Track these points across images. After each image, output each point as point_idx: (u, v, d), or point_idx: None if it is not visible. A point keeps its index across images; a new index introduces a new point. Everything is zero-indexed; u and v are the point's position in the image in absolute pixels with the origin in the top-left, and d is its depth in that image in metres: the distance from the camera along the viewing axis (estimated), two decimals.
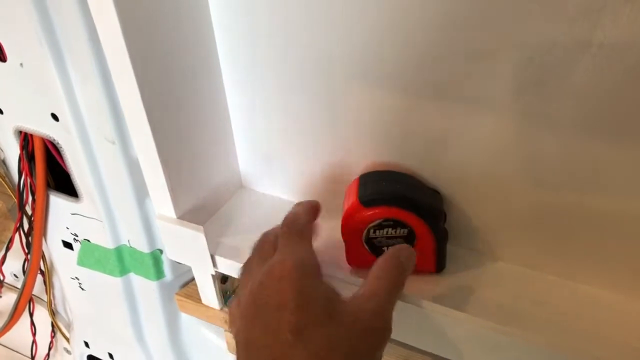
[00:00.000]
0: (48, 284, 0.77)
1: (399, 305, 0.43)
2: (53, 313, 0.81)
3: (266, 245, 0.45)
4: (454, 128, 0.45)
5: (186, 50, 0.48)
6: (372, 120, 0.48)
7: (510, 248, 0.50)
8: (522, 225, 0.48)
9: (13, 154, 0.61)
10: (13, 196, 0.81)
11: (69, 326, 0.84)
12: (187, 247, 0.53)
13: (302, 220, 0.46)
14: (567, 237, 0.46)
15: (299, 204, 0.49)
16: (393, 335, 0.40)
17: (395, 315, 0.40)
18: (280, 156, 0.56)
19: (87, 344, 0.80)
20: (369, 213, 0.47)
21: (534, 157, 0.43)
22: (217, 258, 0.53)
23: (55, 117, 0.54)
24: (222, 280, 0.61)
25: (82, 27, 0.46)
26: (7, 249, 0.71)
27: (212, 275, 0.57)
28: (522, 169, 0.44)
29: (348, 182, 0.51)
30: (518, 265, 0.50)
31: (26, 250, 0.70)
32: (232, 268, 0.53)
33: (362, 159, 0.51)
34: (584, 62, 0.37)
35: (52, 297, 0.79)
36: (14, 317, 0.78)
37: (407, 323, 0.46)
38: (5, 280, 0.84)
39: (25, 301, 0.75)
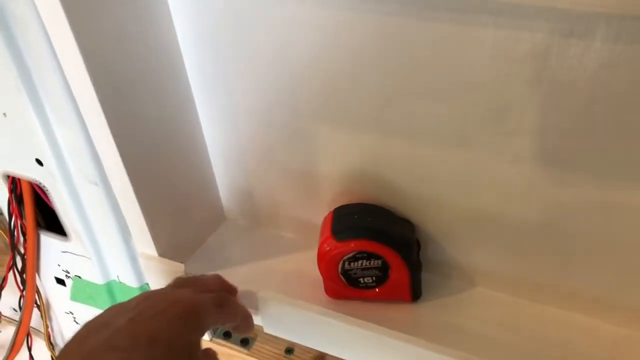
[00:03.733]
0: (44, 318, 0.78)
1: (374, 336, 0.45)
2: (51, 345, 0.83)
3: (198, 282, 0.46)
4: (421, 160, 0.46)
5: (160, 93, 0.49)
6: (342, 155, 0.50)
7: (485, 274, 0.51)
8: (495, 252, 0.49)
9: (2, 197, 0.62)
10: (4, 233, 0.83)
11: None
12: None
13: (231, 303, 0.46)
14: (538, 262, 0.47)
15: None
16: None
17: (370, 345, 0.41)
18: (258, 190, 0.57)
19: None
20: (342, 246, 0.48)
21: (501, 189, 0.44)
22: None
23: (39, 162, 0.55)
24: None
25: (57, 75, 0.48)
26: (1, 288, 0.73)
27: None
28: (492, 199, 0.46)
29: (324, 213, 0.52)
30: (493, 291, 0.51)
31: (21, 287, 0.71)
32: None
33: (336, 191, 0.52)
34: (536, 100, 0.39)
35: (49, 330, 0.81)
36: (12, 350, 0.80)
37: (381, 354, 0.47)
38: (5, 314, 0.86)
39: (23, 335, 0.77)
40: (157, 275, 0.54)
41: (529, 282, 0.49)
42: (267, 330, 0.52)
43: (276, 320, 0.51)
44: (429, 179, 0.47)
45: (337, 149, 0.49)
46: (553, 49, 0.36)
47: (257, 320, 0.53)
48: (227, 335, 0.64)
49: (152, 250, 0.53)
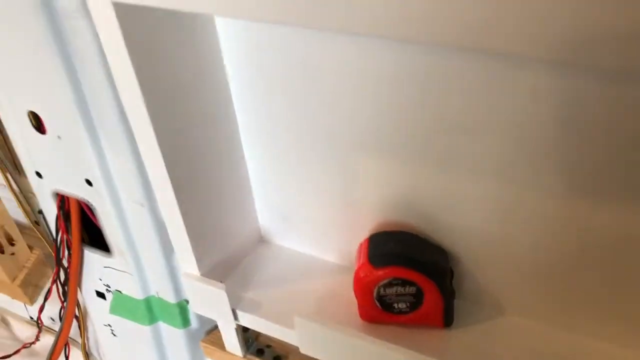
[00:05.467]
0: (82, 329, 0.81)
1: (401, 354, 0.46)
2: (87, 355, 0.86)
3: None
4: (457, 192, 0.48)
5: (209, 127, 0.52)
6: (379, 184, 0.51)
7: (517, 302, 0.52)
8: (526, 280, 0.50)
9: (51, 213, 0.65)
10: (48, 246, 0.86)
11: None
12: (210, 302, 0.57)
13: None
14: (570, 290, 0.48)
15: None
16: None
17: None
18: (297, 214, 0.59)
19: None
20: (378, 273, 0.50)
21: (531, 219, 0.46)
22: (239, 312, 0.57)
23: (89, 182, 0.58)
24: (244, 329, 0.65)
25: (113, 105, 0.51)
26: (45, 299, 0.76)
27: (234, 328, 0.60)
28: (524, 230, 0.47)
29: (360, 238, 0.54)
30: (525, 319, 0.52)
31: (62, 299, 0.74)
32: (253, 322, 0.57)
33: (372, 218, 0.54)
34: (567, 139, 0.40)
35: (86, 341, 0.84)
36: (51, 358, 0.83)
37: None
38: (44, 324, 0.89)
39: (61, 345, 0.79)
40: (199, 294, 0.57)
41: (562, 311, 0.50)
42: (303, 350, 0.54)
43: (311, 341, 0.52)
44: (463, 211, 0.49)
45: (376, 179, 0.51)
46: (582, 94, 0.38)
47: (293, 340, 0.55)
48: (260, 353, 0.66)
49: (194, 270, 0.56)
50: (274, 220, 0.62)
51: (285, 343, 0.57)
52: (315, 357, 0.54)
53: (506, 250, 0.49)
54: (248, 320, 0.57)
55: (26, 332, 1.00)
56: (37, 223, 0.92)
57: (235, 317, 0.57)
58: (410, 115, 0.45)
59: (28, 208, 0.89)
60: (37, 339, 0.90)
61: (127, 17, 0.41)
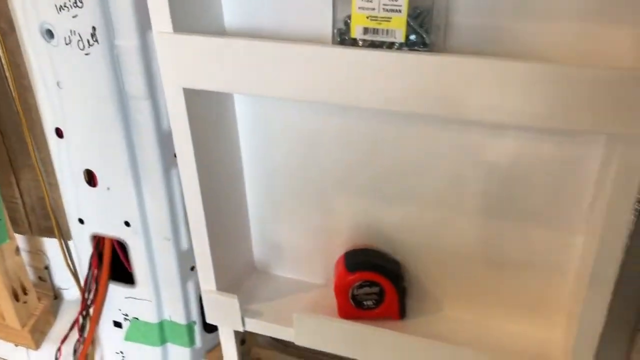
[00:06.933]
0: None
1: (375, 333, 0.66)
2: None
3: None
4: (405, 218, 0.70)
5: (227, 178, 0.72)
6: (352, 217, 0.73)
7: (449, 297, 0.73)
8: (455, 281, 0.72)
9: (87, 253, 0.82)
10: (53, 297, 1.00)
11: None
12: (224, 311, 0.74)
13: None
14: (486, 288, 0.70)
15: None
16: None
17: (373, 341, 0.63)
18: (286, 244, 0.79)
19: None
20: (353, 276, 0.70)
21: (458, 235, 0.69)
22: (245, 319, 0.75)
23: (127, 223, 0.76)
24: (241, 342, 0.82)
25: (158, 162, 0.70)
26: (65, 338, 0.90)
27: (236, 333, 0.78)
28: (451, 243, 0.69)
29: (337, 256, 0.74)
30: (455, 310, 0.74)
31: (80, 333, 0.88)
32: (257, 325, 0.74)
33: (345, 241, 0.75)
34: (481, 179, 0.64)
35: None
36: None
37: (379, 344, 0.68)
38: None
39: None
40: (215, 306, 0.74)
41: (480, 303, 0.72)
42: (298, 342, 0.72)
43: (306, 332, 0.71)
44: (410, 231, 0.71)
45: (347, 213, 0.73)
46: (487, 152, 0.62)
47: (289, 336, 0.73)
48: None
49: (213, 287, 0.74)
50: (267, 253, 0.82)
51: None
52: (310, 346, 0.72)
53: (440, 259, 0.71)
54: (252, 324, 0.75)
55: None
56: (41, 279, 1.06)
57: (243, 324, 0.75)
58: (369, 167, 0.68)
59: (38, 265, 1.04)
60: None
61: (190, 97, 0.62)
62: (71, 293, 1.06)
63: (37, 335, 1.01)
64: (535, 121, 0.49)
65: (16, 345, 1.03)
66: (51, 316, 1.03)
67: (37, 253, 1.03)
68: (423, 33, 0.50)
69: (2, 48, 0.79)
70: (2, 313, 0.98)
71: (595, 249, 0.55)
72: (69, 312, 1.04)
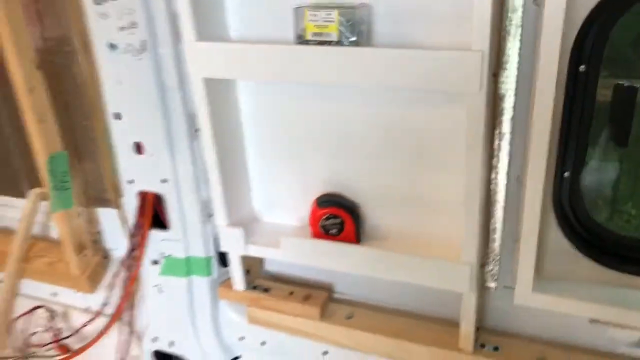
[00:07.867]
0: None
1: (341, 248, 0.96)
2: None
3: None
4: (359, 171, 1.00)
5: (232, 141, 1.03)
6: (321, 172, 1.03)
7: (389, 228, 1.03)
8: (389, 214, 1.01)
9: (133, 205, 1.12)
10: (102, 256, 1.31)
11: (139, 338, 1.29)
12: (233, 240, 1.05)
13: None
14: (413, 220, 1.00)
15: None
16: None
17: (336, 254, 0.93)
18: (275, 197, 1.10)
19: (154, 340, 1.25)
20: (323, 211, 1.01)
21: (385, 183, 0.98)
22: (248, 246, 1.05)
23: (164, 180, 1.07)
24: (247, 272, 1.12)
25: (186, 136, 1.02)
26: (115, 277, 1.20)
27: (242, 261, 1.08)
28: (385, 188, 0.99)
29: (311, 199, 1.05)
30: (392, 236, 1.03)
31: (128, 270, 1.19)
32: (256, 250, 1.05)
33: (318, 190, 1.05)
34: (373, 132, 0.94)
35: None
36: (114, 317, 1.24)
37: (341, 255, 0.97)
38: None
39: (122, 305, 1.22)
40: (226, 236, 1.05)
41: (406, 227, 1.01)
42: (285, 258, 1.02)
43: (292, 249, 1.01)
44: (361, 181, 1.01)
45: (318, 167, 1.03)
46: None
47: (279, 255, 1.03)
48: (254, 288, 1.13)
49: (225, 222, 1.04)
50: (262, 204, 1.12)
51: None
52: (294, 261, 1.02)
53: (378, 199, 1.01)
54: (253, 249, 1.05)
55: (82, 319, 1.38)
56: (95, 242, 1.37)
57: (246, 249, 1.05)
58: (332, 134, 0.98)
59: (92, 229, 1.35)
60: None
61: (208, 84, 0.94)
62: (117, 253, 1.36)
63: (92, 282, 1.31)
64: (407, 84, 0.80)
65: (76, 292, 1.34)
66: (102, 269, 1.34)
67: (91, 222, 1.35)
68: (351, 35, 0.81)
69: (86, 60, 1.11)
70: (68, 264, 1.29)
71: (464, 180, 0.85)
72: (115, 268, 1.35)
